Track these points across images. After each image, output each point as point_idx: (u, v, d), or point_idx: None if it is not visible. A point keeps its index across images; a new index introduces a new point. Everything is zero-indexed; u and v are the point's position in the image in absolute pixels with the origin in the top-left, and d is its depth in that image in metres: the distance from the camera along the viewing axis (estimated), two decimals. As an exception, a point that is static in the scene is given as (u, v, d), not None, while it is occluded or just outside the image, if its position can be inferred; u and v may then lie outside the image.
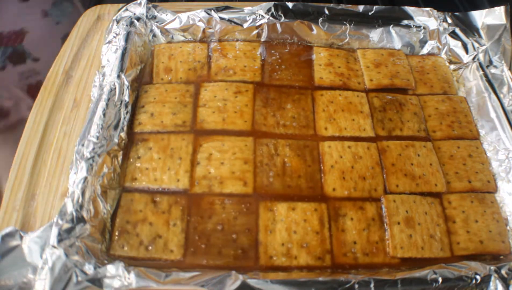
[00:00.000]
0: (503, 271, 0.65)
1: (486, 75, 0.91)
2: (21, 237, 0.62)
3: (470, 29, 0.98)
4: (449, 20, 0.99)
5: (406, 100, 0.90)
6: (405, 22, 0.99)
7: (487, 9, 0.97)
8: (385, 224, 0.74)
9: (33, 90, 0.97)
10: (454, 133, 0.87)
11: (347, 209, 0.75)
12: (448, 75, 0.96)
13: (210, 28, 0.96)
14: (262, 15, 0.96)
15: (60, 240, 0.62)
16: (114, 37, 0.90)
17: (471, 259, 0.69)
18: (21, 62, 1.05)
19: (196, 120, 0.83)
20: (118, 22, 0.93)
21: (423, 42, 1.00)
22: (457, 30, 0.98)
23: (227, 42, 0.96)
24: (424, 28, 0.99)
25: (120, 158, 0.77)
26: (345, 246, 0.71)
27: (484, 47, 0.95)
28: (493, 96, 0.87)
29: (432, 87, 0.94)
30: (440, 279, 0.63)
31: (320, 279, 0.62)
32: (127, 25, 0.92)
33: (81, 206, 0.66)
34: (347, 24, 0.98)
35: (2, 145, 0.95)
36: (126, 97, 0.81)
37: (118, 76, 0.82)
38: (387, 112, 0.88)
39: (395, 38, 1.00)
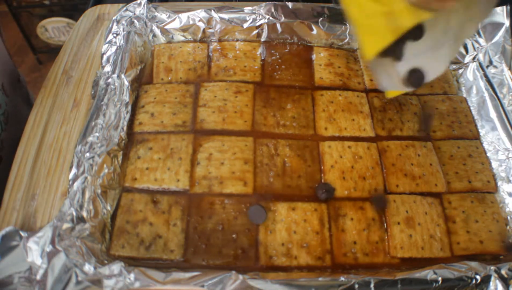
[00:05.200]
0: (503, 271, 0.64)
1: (486, 75, 0.91)
2: (21, 237, 0.62)
3: (470, 29, 0.98)
4: (449, 20, 0.99)
5: (406, 100, 0.90)
6: (405, 22, 0.99)
7: (487, 9, 0.97)
8: (385, 224, 0.74)
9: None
10: (454, 133, 0.87)
11: (347, 209, 0.75)
12: (448, 75, 0.96)
13: (210, 28, 0.96)
14: (262, 15, 0.96)
15: (60, 240, 0.62)
16: (114, 37, 0.90)
17: (471, 259, 0.68)
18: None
19: (196, 120, 0.83)
20: (118, 22, 0.93)
21: (423, 42, 1.00)
22: (457, 30, 0.98)
23: (227, 42, 0.96)
24: (424, 28, 0.99)
25: (120, 158, 0.77)
26: (345, 246, 0.71)
27: (484, 47, 0.95)
28: (493, 96, 0.87)
29: (432, 87, 0.94)
30: (440, 279, 0.63)
31: (320, 279, 0.62)
32: (127, 25, 0.92)
33: (81, 206, 0.66)
34: (347, 24, 0.98)
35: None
36: (126, 97, 0.81)
37: (118, 76, 0.82)
38: (387, 112, 0.88)
39: (395, 38, 0.99)
